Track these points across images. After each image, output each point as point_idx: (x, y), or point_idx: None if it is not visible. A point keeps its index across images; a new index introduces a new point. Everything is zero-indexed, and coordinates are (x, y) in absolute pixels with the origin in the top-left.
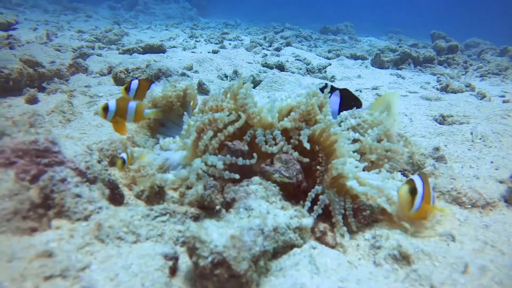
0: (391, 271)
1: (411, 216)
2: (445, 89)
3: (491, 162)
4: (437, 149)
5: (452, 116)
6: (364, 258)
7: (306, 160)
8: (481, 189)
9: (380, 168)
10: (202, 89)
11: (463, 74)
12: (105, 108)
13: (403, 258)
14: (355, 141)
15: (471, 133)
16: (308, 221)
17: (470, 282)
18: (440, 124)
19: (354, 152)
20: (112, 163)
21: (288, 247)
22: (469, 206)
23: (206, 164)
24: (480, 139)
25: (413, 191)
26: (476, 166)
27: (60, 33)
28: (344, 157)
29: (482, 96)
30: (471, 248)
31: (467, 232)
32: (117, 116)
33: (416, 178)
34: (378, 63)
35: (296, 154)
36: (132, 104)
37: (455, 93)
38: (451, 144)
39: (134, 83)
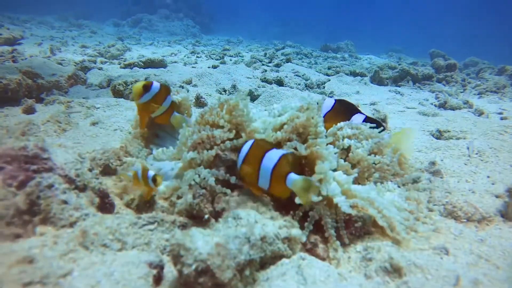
0: (381, 284)
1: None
2: (443, 106)
3: (488, 177)
4: (433, 163)
5: (449, 131)
6: (355, 270)
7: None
8: (477, 203)
9: (369, 179)
10: (200, 102)
11: (461, 92)
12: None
13: (394, 271)
14: (348, 148)
15: (468, 148)
16: (297, 231)
17: None
18: (437, 139)
19: (344, 161)
20: (104, 172)
21: (276, 257)
22: (465, 220)
23: (199, 176)
24: (477, 154)
25: None
26: (472, 180)
27: (64, 48)
28: (326, 181)
29: (479, 113)
30: (464, 261)
31: (461, 246)
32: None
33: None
34: (377, 80)
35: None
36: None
37: (453, 109)
38: (447, 159)
39: (156, 86)
